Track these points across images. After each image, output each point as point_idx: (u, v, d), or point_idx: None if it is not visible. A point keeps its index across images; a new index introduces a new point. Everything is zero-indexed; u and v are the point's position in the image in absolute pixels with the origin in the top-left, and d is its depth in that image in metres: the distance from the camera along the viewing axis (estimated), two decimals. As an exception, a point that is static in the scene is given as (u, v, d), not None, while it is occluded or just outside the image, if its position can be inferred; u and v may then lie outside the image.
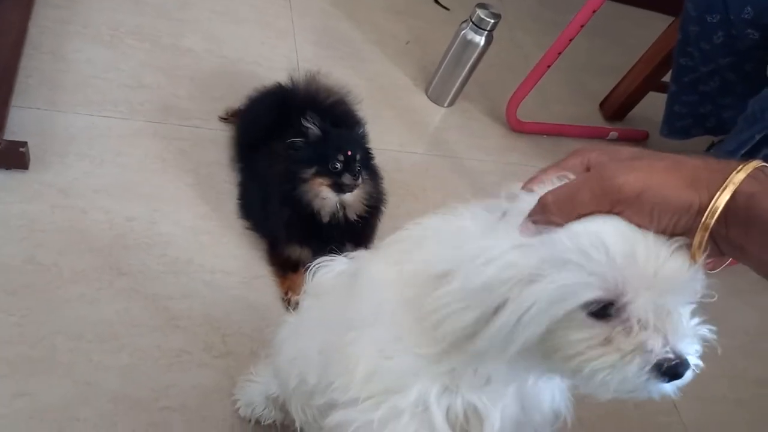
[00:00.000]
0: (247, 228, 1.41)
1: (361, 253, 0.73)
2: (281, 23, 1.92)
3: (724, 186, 0.44)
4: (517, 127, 1.91)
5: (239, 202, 1.45)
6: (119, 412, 1.07)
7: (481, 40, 1.74)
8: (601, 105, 2.17)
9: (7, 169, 1.29)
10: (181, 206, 1.38)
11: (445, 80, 1.87)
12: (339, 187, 1.26)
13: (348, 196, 1.28)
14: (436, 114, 1.92)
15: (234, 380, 1.14)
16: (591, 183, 0.48)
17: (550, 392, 0.61)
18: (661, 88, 1.98)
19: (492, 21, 1.71)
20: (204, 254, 1.33)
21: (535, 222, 0.49)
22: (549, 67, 1.71)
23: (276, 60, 1.78)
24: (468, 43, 1.76)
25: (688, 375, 0.49)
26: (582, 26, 1.62)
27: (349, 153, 1.25)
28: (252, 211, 1.42)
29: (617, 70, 2.13)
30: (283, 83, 1.48)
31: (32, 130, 1.37)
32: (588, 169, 0.51)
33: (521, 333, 0.48)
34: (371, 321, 0.60)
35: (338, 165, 1.24)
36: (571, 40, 1.65)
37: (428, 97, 1.93)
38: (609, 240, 0.46)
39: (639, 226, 0.47)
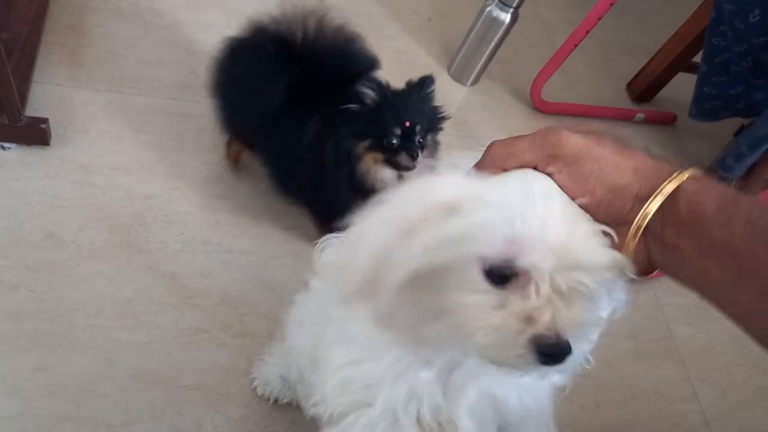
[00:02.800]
0: (291, 203, 1.32)
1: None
2: (302, -2, 1.88)
3: (669, 179, 0.45)
4: (542, 108, 1.87)
5: (274, 178, 1.29)
6: (138, 388, 1.09)
7: (506, 17, 1.70)
8: (628, 85, 2.11)
9: (28, 145, 1.29)
10: (199, 184, 1.37)
11: (469, 58, 1.83)
12: (397, 166, 1.10)
13: (410, 175, 1.12)
14: (458, 93, 1.88)
15: (251, 360, 1.15)
16: (535, 134, 0.48)
17: (516, 391, 0.58)
18: (691, 68, 1.91)
19: (518, -2, 1.66)
20: (221, 233, 1.32)
21: (476, 167, 0.50)
22: (576, 46, 1.66)
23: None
24: (493, 21, 1.71)
25: (570, 363, 0.45)
26: (612, 4, 1.57)
27: (408, 124, 1.06)
28: (298, 190, 1.28)
29: (646, 50, 2.06)
30: (274, 26, 1.17)
31: (53, 106, 1.37)
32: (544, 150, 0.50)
33: (418, 260, 0.45)
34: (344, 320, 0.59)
35: (394, 141, 1.07)
36: (600, 18, 1.59)
37: (450, 76, 1.89)
38: (530, 200, 0.45)
39: (571, 192, 0.46)
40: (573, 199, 0.46)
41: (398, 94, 1.13)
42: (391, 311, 0.50)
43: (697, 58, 1.81)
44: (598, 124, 1.95)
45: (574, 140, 0.47)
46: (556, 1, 2.30)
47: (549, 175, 0.47)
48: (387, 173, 1.12)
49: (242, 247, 1.32)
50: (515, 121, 1.86)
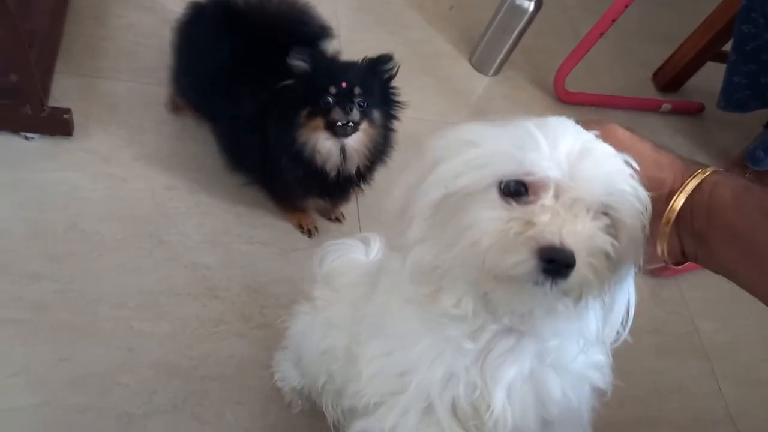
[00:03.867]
0: (243, 184, 1.31)
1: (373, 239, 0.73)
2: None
3: (693, 175, 0.50)
4: (565, 98, 1.84)
5: (225, 154, 1.29)
6: (159, 379, 1.09)
7: (530, 5, 1.67)
8: (655, 75, 2.06)
9: (51, 135, 1.30)
10: (219, 175, 1.37)
11: (491, 47, 1.80)
12: (337, 129, 1.07)
13: (350, 142, 1.10)
14: (480, 83, 1.85)
15: (271, 352, 1.15)
16: (588, 120, 0.53)
17: (559, 382, 0.57)
18: (720, 57, 1.86)
19: (542, -15, 1.63)
20: (241, 224, 1.32)
21: None
22: (602, 35, 1.62)
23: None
24: (516, 8, 1.68)
25: (572, 276, 0.45)
26: None
27: (344, 85, 1.05)
28: (245, 163, 1.27)
29: (672, 39, 2.01)
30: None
31: (75, 96, 1.37)
32: None
33: (442, 189, 0.50)
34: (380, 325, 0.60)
35: (330, 99, 1.05)
36: (626, 6, 1.56)
37: (471, 65, 1.86)
38: (544, 125, 0.48)
39: None
40: None
41: (336, 61, 1.12)
42: (421, 243, 0.52)
43: (727, 47, 1.76)
44: (623, 115, 1.92)
45: (621, 132, 0.53)
46: (580, -11, 2.25)
47: None
48: (327, 143, 1.10)
49: (262, 239, 1.32)
50: (538, 111, 1.82)
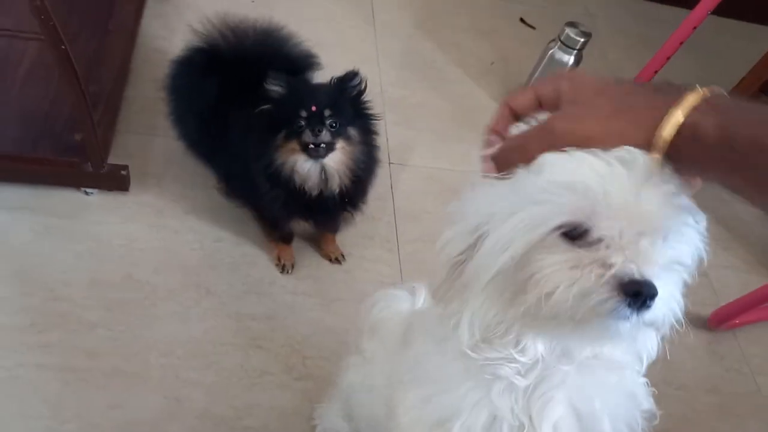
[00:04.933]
0: (238, 207, 1.37)
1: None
2: (365, 47, 1.95)
3: (661, 125, 0.44)
4: (607, 148, 1.83)
5: (226, 184, 1.37)
6: (204, 428, 1.10)
7: (570, 59, 1.69)
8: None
9: (109, 190, 1.37)
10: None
11: (531, 101, 1.82)
12: (310, 152, 1.10)
13: (329, 162, 1.13)
14: (521, 135, 1.86)
15: (313, 403, 1.15)
16: (541, 136, 0.50)
17: (608, 413, 0.55)
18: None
19: (582, 40, 1.66)
20: (286, 276, 1.35)
21: (494, 160, 0.54)
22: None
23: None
24: (556, 63, 1.70)
25: (659, 307, 0.45)
26: (681, 43, 1.53)
27: (314, 108, 1.08)
28: (237, 188, 1.34)
29: (724, 85, 1.99)
30: (204, 44, 1.28)
31: (132, 153, 1.45)
32: (557, 100, 0.51)
33: (500, 257, 0.48)
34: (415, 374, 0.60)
35: (302, 123, 1.08)
36: (668, 58, 1.56)
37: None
38: (579, 174, 0.46)
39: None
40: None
41: (308, 85, 1.16)
42: (479, 303, 0.52)
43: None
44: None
45: (577, 131, 0.48)
46: (622, 42, 2.27)
47: None
48: (306, 164, 1.12)
49: (305, 290, 1.34)
50: (581, 162, 1.82)
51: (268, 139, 1.12)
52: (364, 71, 1.29)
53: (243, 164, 1.20)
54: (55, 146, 1.32)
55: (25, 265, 1.24)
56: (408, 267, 1.43)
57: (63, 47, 1.06)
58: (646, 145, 0.45)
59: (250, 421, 1.13)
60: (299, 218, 1.27)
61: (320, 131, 1.08)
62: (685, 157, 0.45)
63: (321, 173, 1.14)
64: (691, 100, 0.43)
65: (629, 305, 0.44)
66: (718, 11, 1.52)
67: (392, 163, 1.64)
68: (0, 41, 1.44)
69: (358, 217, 1.37)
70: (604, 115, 0.48)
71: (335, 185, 1.16)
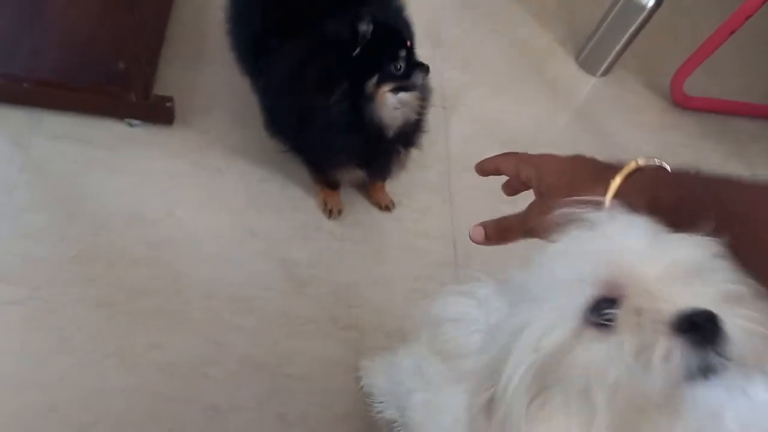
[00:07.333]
0: (283, 151, 1.24)
1: None
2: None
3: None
4: (683, 103, 1.68)
5: (268, 117, 1.22)
6: (244, 373, 1.07)
7: (649, 1, 1.53)
8: (787, 81, 1.86)
9: (153, 123, 1.32)
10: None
11: (601, 46, 1.68)
12: (401, 89, 1.05)
13: (410, 99, 1.08)
14: (586, 83, 1.73)
15: (357, 354, 1.10)
16: (521, 224, 0.53)
17: None
18: None
19: (664, -20, 1.50)
20: (332, 221, 1.29)
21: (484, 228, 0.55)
22: (733, 33, 1.46)
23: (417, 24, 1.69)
24: (633, 5, 1.55)
25: (727, 329, 0.35)
26: (764, 2, 1.36)
27: (410, 43, 1.03)
28: (284, 127, 1.20)
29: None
30: None
31: (178, 86, 1.38)
32: (521, 182, 0.56)
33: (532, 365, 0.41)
34: None
35: (401, 65, 1.02)
36: (763, 2, 1.39)
37: (578, 65, 1.75)
38: (593, 252, 0.42)
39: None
40: None
41: (386, 23, 1.05)
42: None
43: None
44: (748, 124, 1.74)
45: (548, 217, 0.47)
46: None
47: None
48: (395, 101, 1.06)
49: (353, 236, 1.28)
50: (651, 116, 1.69)
51: (362, 88, 1.03)
52: (419, 11, 1.19)
53: (295, 101, 1.10)
54: (98, 74, 1.27)
55: (67, 196, 1.21)
56: (460, 217, 1.34)
57: (107, -36, 0.98)
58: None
59: (292, 369, 1.09)
60: (356, 166, 1.17)
61: (420, 70, 1.04)
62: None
63: (403, 113, 1.08)
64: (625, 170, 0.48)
65: (696, 343, 0.35)
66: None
67: (446, 108, 1.54)
68: (43, -41, 1.37)
69: (410, 164, 1.28)
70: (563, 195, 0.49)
71: (412, 115, 1.10)
